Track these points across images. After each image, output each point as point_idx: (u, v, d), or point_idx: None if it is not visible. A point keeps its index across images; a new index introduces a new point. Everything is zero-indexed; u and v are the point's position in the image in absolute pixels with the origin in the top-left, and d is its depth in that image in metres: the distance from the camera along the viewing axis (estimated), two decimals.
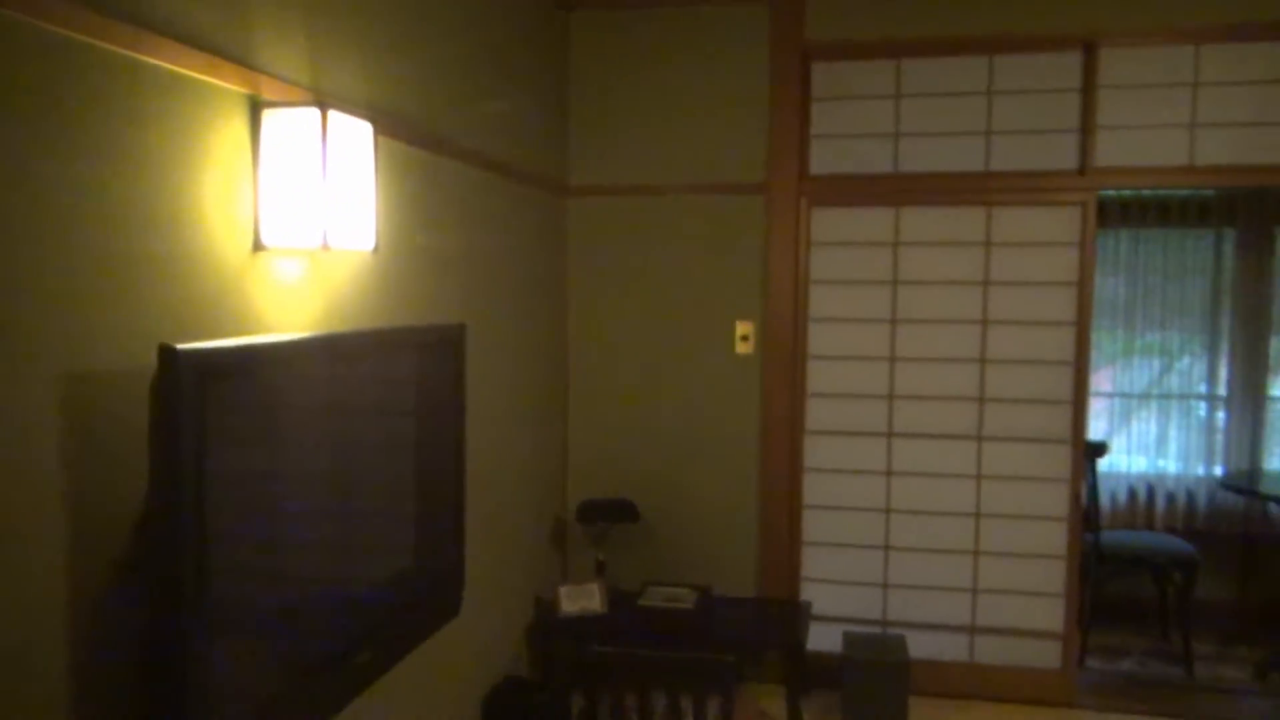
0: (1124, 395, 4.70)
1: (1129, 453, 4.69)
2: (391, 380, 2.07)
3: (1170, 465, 4.66)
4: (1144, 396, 4.69)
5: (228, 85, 1.77)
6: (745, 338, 3.79)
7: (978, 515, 3.67)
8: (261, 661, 1.59)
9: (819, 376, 3.75)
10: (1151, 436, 4.68)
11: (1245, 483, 4.17)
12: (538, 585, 3.62)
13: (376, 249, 2.20)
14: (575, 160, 3.86)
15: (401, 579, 2.10)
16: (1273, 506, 4.48)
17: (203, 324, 1.73)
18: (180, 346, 1.35)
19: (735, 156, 3.75)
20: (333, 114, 1.83)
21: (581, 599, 3.50)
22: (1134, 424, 4.70)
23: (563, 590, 3.50)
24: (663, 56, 3.78)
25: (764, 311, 3.76)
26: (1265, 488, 4.09)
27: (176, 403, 1.34)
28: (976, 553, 3.68)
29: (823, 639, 3.71)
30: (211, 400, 1.40)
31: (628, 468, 3.89)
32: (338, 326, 2.15)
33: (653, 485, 3.87)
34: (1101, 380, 4.69)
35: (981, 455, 3.66)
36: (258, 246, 1.85)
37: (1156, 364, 4.68)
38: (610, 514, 3.72)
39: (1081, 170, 3.53)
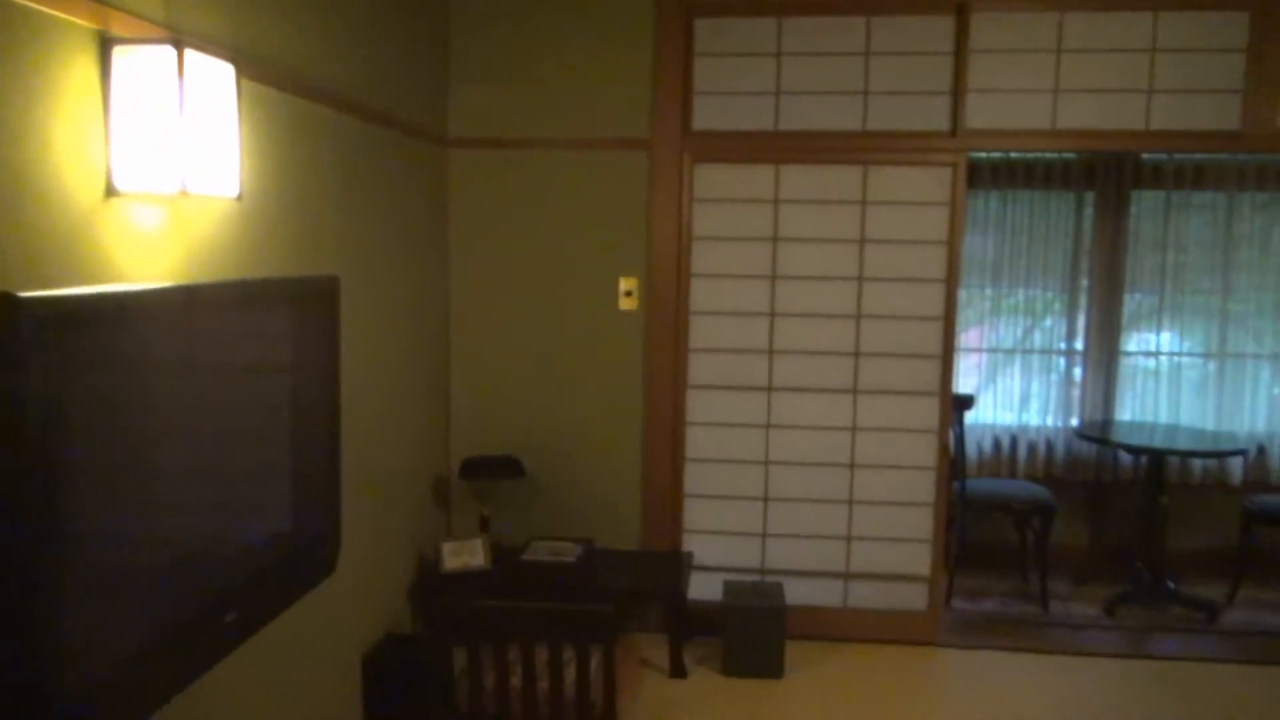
0: (991, 351, 4.91)
1: (995, 406, 4.91)
2: (260, 334, 2.01)
3: (1032, 417, 4.91)
4: (1009, 352, 4.91)
5: (74, 19, 1.67)
6: (629, 293, 3.81)
7: (852, 466, 3.80)
8: (121, 620, 1.54)
9: (701, 332, 3.80)
10: (1016, 390, 4.91)
11: (1098, 432, 4.43)
12: (421, 542, 3.59)
13: (241, 197, 2.12)
14: (456, 112, 3.78)
15: (273, 537, 2.06)
16: (1122, 454, 4.77)
17: (51, 273, 1.64)
18: (23, 294, 1.28)
19: (619, 111, 3.74)
20: (190, 54, 1.75)
21: (465, 555, 3.49)
22: (1000, 378, 4.92)
23: (446, 546, 3.49)
24: (546, 7, 3.73)
25: (647, 268, 3.78)
26: (1116, 436, 4.35)
27: (19, 353, 1.28)
28: (851, 502, 3.82)
29: (704, 588, 3.80)
30: (59, 352, 1.34)
31: (512, 424, 3.88)
32: (201, 277, 2.07)
33: (537, 441, 3.87)
34: (971, 337, 4.89)
35: (857, 408, 3.78)
36: (110, 192, 1.76)
37: (1021, 321, 4.90)
38: (494, 470, 3.71)
39: (953, 132, 3.64)
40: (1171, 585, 4.37)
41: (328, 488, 2.23)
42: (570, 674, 3.12)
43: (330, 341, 2.19)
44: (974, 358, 4.92)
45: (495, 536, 3.65)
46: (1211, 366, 4.80)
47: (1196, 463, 4.76)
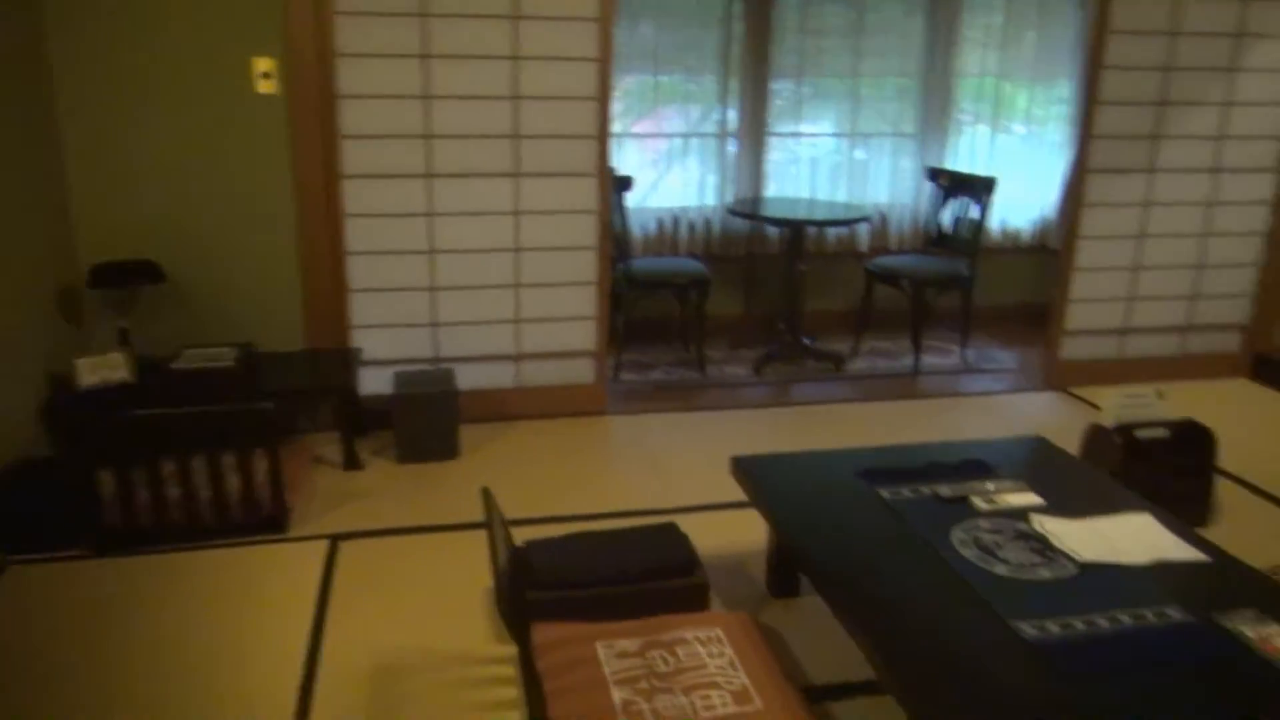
0: (654, 135, 5.05)
1: (658, 187, 5.11)
2: None
3: (691, 197, 5.16)
4: (670, 136, 5.07)
5: None
6: (267, 75, 3.50)
7: (518, 250, 3.84)
8: None
9: (352, 117, 3.59)
10: (678, 173, 5.12)
11: (748, 209, 4.75)
12: (50, 361, 3.26)
13: None
14: None
15: None
16: (769, 228, 5.18)
17: None
18: None
19: None
20: None
21: (104, 369, 3.22)
22: (663, 163, 5.10)
23: (81, 363, 3.19)
24: None
25: (285, 47, 3.47)
26: (764, 211, 4.70)
27: None
28: (518, 286, 3.88)
29: (378, 382, 3.79)
30: None
31: (147, 225, 3.54)
32: None
33: (179, 243, 3.57)
34: (636, 123, 4.99)
35: (519, 192, 3.78)
36: None
37: (680, 106, 5.05)
38: (129, 277, 3.40)
39: None
40: (808, 341, 4.90)
41: None
42: (235, 480, 3.03)
43: None
44: (637, 141, 5.04)
45: (141, 349, 3.39)
46: (845, 145, 5.24)
47: (831, 232, 5.27)
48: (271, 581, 2.75)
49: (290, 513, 3.11)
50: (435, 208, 3.74)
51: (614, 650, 2.33)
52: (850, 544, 2.22)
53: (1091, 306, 4.46)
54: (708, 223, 5.18)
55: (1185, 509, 3.10)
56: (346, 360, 3.61)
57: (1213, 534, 3.09)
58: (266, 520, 3.02)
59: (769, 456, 2.70)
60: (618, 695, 2.16)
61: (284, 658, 2.40)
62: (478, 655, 2.43)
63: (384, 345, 3.82)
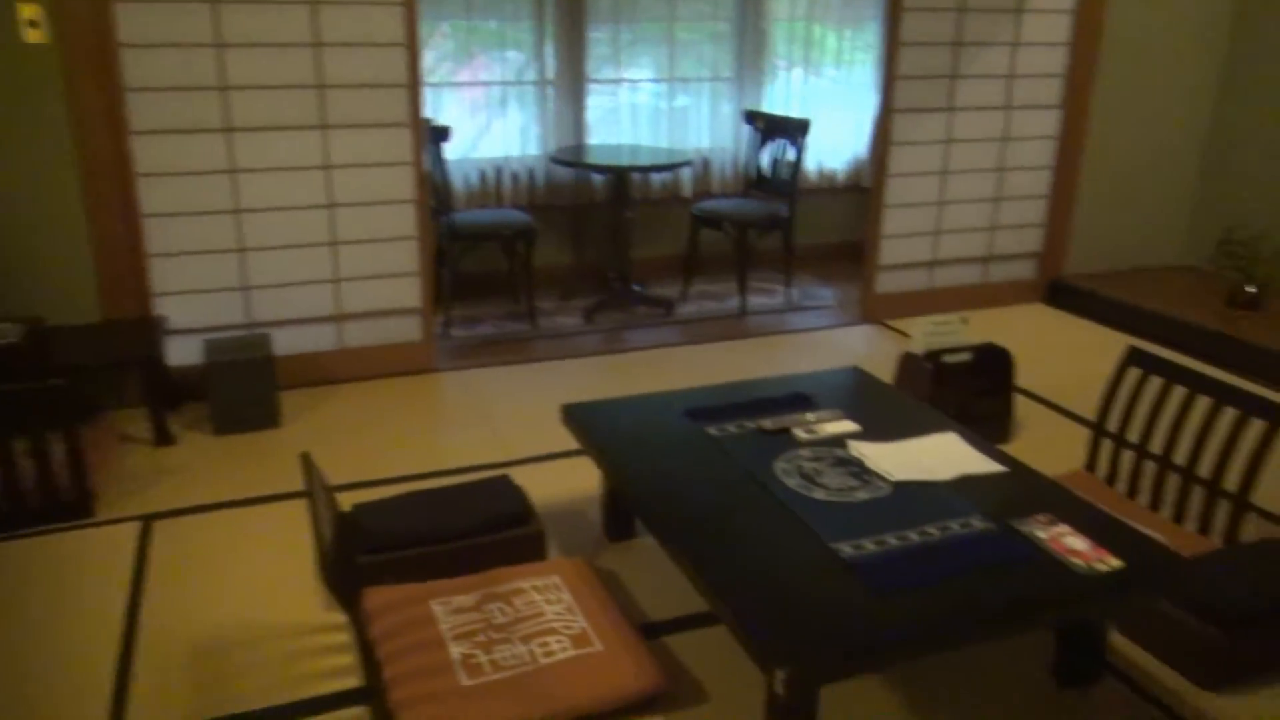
0: (472, 84, 4.92)
1: (480, 138, 4.99)
2: None
3: (514, 147, 5.07)
4: (489, 84, 4.95)
5: None
6: (33, 23, 3.19)
7: (331, 206, 3.68)
8: None
9: (137, 68, 3.32)
10: (499, 123, 5.01)
11: (571, 157, 4.71)
12: None
13: None
14: None
15: None
16: (595, 175, 5.16)
17: None
18: None
19: None
20: None
21: None
22: (485, 113, 4.98)
23: None
24: None
25: None
26: (588, 159, 4.67)
27: None
28: (334, 243, 3.73)
29: (188, 352, 3.57)
30: None
31: None
32: None
33: None
34: (453, 71, 4.84)
35: (328, 145, 3.61)
36: None
37: (498, 54, 4.93)
38: None
39: None
40: (638, 288, 4.94)
41: None
42: (29, 465, 2.81)
43: None
44: (455, 91, 4.90)
45: None
46: (664, 90, 5.25)
47: (655, 178, 5.30)
48: (79, 570, 2.57)
49: (95, 496, 2.91)
50: (238, 164, 3.52)
51: (450, 607, 2.30)
52: (677, 482, 2.26)
53: (902, 242, 4.68)
54: (531, 173, 5.11)
55: (989, 426, 3.32)
56: (149, 330, 3.38)
57: (1014, 448, 3.32)
58: (69, 506, 2.82)
59: (598, 403, 2.71)
60: (455, 650, 2.14)
61: (98, 648, 2.26)
62: (309, 625, 2.36)
63: (192, 312, 3.60)
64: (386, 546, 2.40)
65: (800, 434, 2.48)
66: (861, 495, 2.19)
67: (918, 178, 4.60)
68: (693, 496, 2.20)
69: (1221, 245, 4.66)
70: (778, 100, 5.48)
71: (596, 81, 5.13)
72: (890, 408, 2.71)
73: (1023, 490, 2.24)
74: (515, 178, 5.08)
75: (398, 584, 2.36)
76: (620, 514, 2.75)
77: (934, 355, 3.29)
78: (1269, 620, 2.13)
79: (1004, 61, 4.58)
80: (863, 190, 5.71)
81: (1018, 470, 2.33)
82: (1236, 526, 2.49)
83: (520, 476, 3.02)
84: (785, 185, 4.96)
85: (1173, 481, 2.66)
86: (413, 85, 3.65)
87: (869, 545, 1.98)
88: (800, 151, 4.87)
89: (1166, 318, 4.44)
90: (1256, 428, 2.44)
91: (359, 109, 3.61)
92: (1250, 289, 4.46)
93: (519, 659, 2.12)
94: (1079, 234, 4.99)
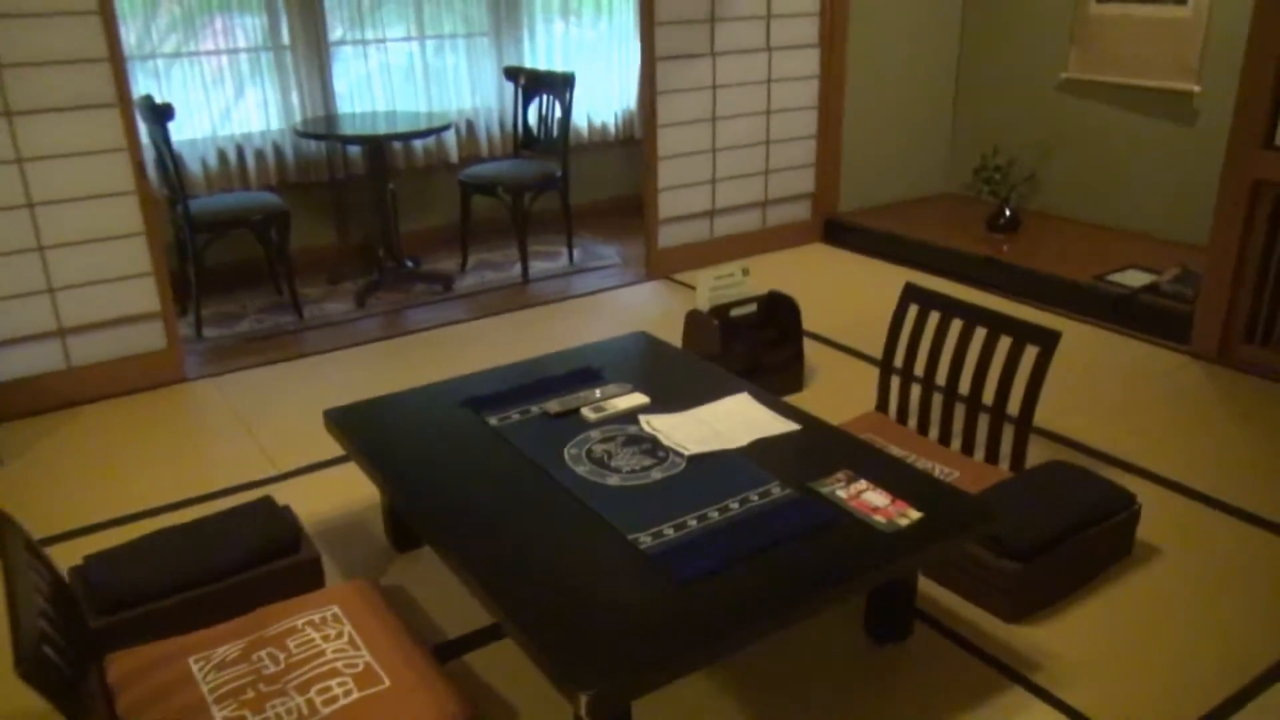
0: (198, 54, 4.39)
1: (210, 115, 4.48)
2: None
3: (255, 122, 4.60)
4: (218, 53, 4.44)
5: None
6: None
7: (31, 206, 3.17)
8: None
9: None
10: (229, 95, 4.52)
11: (321, 128, 4.31)
12: None
13: None
14: None
15: None
16: (351, 147, 4.76)
17: None
18: None
19: None
20: None
21: None
22: (219, 85, 4.47)
23: None
24: None
25: None
26: (339, 130, 4.28)
27: None
28: (42, 249, 3.22)
29: None
30: None
31: None
32: None
33: None
34: (184, 43, 4.30)
35: (16, 134, 3.09)
36: None
37: (226, 19, 4.42)
38: None
39: None
40: (412, 264, 4.62)
41: None
42: None
43: None
44: (192, 66, 4.36)
45: None
46: (416, 49, 4.90)
47: (418, 145, 4.96)
48: None
49: None
50: None
51: (212, 662, 2.00)
52: (455, 484, 2.05)
53: (680, 193, 4.58)
54: (278, 149, 4.65)
55: (781, 377, 3.28)
56: None
57: (807, 395, 3.30)
58: None
59: (364, 404, 2.44)
60: (219, 716, 1.86)
61: None
62: None
63: None
64: (127, 602, 2.06)
65: (589, 414, 2.31)
66: (656, 475, 2.05)
67: (689, 126, 4.51)
68: (473, 499, 1.99)
69: (978, 172, 4.84)
70: (540, 55, 5.24)
71: (341, 44, 4.71)
72: (680, 373, 2.59)
73: (818, 448, 2.17)
74: (260, 156, 4.61)
75: (148, 643, 2.03)
76: (402, 519, 2.51)
77: (719, 310, 3.20)
78: (1061, 546, 2.16)
79: (761, 3, 4.52)
80: (637, 143, 5.59)
81: (810, 426, 2.26)
82: (1022, 451, 2.53)
83: (292, 492, 2.72)
84: (556, 143, 4.75)
85: (960, 413, 2.68)
86: (114, 59, 3.17)
87: (669, 532, 1.84)
88: (567, 107, 4.66)
89: (936, 247, 4.57)
90: (1031, 353, 2.48)
91: (48, 91, 3.10)
92: (1007, 212, 4.66)
93: (296, 712, 1.86)
94: (848, 171, 5.07)
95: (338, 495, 2.75)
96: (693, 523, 1.87)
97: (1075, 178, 4.81)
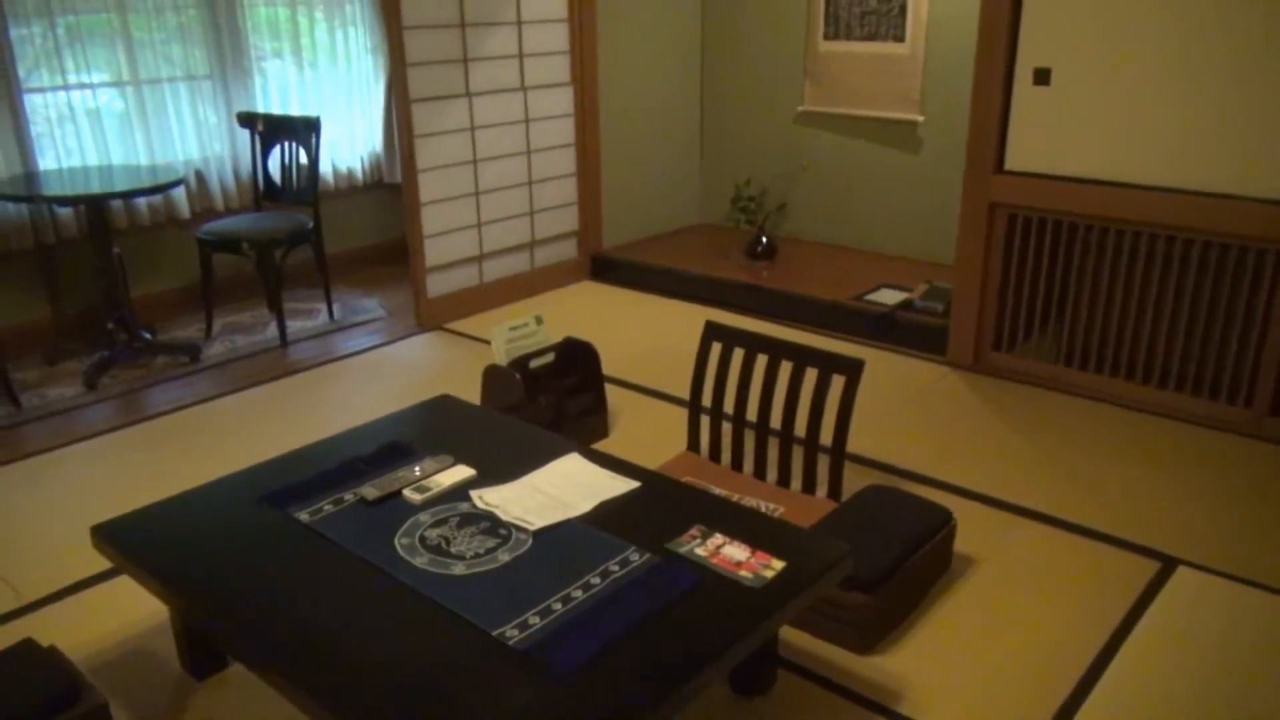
0: None
1: None
2: None
3: None
4: None
5: None
6: None
7: None
8: None
9: None
10: None
11: (23, 189, 3.75)
12: None
13: None
14: None
15: None
16: (61, 209, 4.19)
17: None
18: None
19: None
20: None
21: None
22: None
23: None
24: None
25: None
26: (44, 190, 3.74)
27: None
28: None
29: None
30: None
31: None
32: None
33: None
34: None
35: None
36: None
37: None
38: None
39: None
40: (149, 335, 4.13)
41: None
42: None
43: None
44: None
45: None
46: (130, 95, 4.40)
47: (142, 203, 4.45)
48: None
49: None
50: None
51: None
52: (273, 595, 1.79)
53: (447, 239, 4.40)
54: None
55: (588, 424, 3.19)
56: None
57: (616, 442, 3.23)
58: None
59: (141, 512, 2.11)
60: None
61: None
62: None
63: None
64: None
65: (412, 495, 2.11)
66: (504, 556, 1.89)
67: (450, 169, 4.34)
68: (298, 608, 1.75)
69: (735, 202, 5.01)
70: (273, 99, 4.87)
71: (35, 90, 4.14)
72: (496, 437, 2.44)
73: (664, 504, 2.10)
74: None
75: None
76: (202, 642, 2.18)
77: (518, 362, 3.07)
78: (900, 572, 2.22)
79: (513, 42, 4.45)
80: (387, 187, 5.33)
81: (649, 481, 2.19)
82: (838, 479, 2.59)
83: (50, 625, 2.30)
84: (304, 192, 4.42)
85: (773, 446, 2.71)
86: None
87: (534, 620, 1.70)
88: (314, 154, 4.36)
89: (702, 277, 4.68)
90: (839, 383, 2.55)
91: None
92: (764, 239, 4.85)
93: None
94: (610, 207, 5.08)
95: (109, 618, 2.36)
96: (558, 606, 1.73)
97: (820, 204, 5.09)
